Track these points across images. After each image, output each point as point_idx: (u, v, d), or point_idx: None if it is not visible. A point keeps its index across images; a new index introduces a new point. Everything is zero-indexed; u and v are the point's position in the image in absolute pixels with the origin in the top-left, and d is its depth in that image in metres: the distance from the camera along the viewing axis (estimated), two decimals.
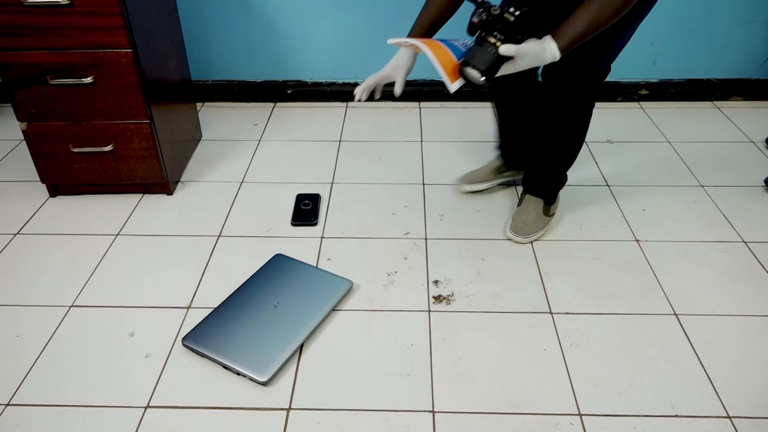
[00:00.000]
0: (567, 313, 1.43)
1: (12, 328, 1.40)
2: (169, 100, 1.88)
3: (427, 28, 1.41)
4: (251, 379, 1.25)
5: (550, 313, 1.43)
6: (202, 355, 1.30)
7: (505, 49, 1.16)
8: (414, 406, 1.21)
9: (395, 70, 1.44)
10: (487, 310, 1.44)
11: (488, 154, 2.04)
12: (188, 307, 1.45)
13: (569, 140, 1.60)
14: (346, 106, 2.42)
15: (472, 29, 1.20)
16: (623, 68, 2.39)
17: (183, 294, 1.49)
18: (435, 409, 1.21)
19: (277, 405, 1.22)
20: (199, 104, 2.44)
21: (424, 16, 1.41)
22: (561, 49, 1.19)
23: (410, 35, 1.41)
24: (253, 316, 1.38)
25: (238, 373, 1.26)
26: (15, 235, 1.70)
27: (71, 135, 1.72)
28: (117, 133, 1.73)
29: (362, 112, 2.37)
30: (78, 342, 1.36)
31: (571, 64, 1.41)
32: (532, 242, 1.65)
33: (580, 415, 1.19)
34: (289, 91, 2.45)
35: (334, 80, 2.42)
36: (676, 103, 2.43)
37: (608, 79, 2.38)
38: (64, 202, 1.84)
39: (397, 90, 1.43)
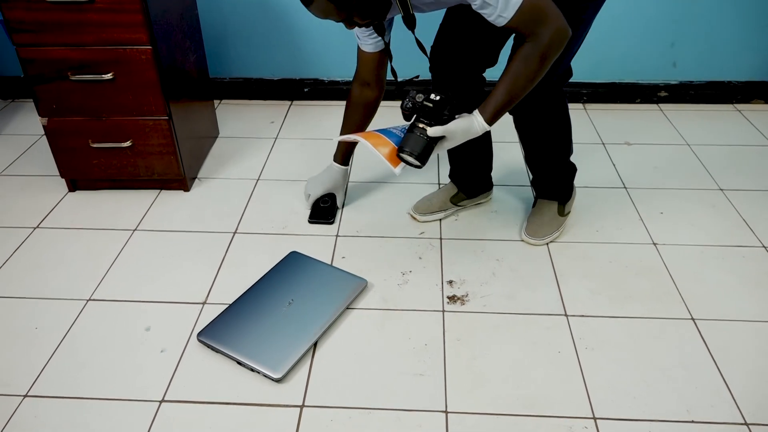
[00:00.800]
0: (582, 316, 1.42)
1: (31, 320, 1.42)
2: (188, 97, 1.90)
3: (355, 129, 1.62)
4: (265, 376, 1.25)
5: (565, 315, 1.42)
6: (217, 351, 1.31)
7: (433, 131, 1.26)
8: (427, 406, 1.21)
9: (334, 189, 1.74)
10: (502, 311, 1.44)
11: (509, 153, 2.03)
12: (204, 303, 1.46)
13: (554, 140, 1.58)
14: None
15: (404, 117, 1.32)
16: (642, 69, 2.37)
17: (199, 290, 1.50)
18: (448, 410, 1.20)
19: (291, 402, 1.22)
20: (216, 101, 2.46)
21: (348, 121, 1.66)
22: (487, 121, 1.27)
23: (342, 133, 1.64)
24: (267, 312, 1.38)
25: (253, 370, 1.27)
26: (34, 228, 1.72)
27: (91, 130, 1.74)
28: (135, 130, 1.74)
29: (378, 111, 2.36)
30: (95, 335, 1.38)
31: None
32: (547, 244, 1.64)
33: (595, 418, 1.18)
34: (306, 90, 2.46)
35: (351, 79, 2.42)
36: (696, 105, 2.41)
37: (627, 80, 2.39)
38: (82, 196, 1.86)
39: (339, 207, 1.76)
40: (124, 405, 1.21)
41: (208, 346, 1.33)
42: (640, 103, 2.43)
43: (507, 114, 1.53)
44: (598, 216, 1.76)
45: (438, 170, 1.99)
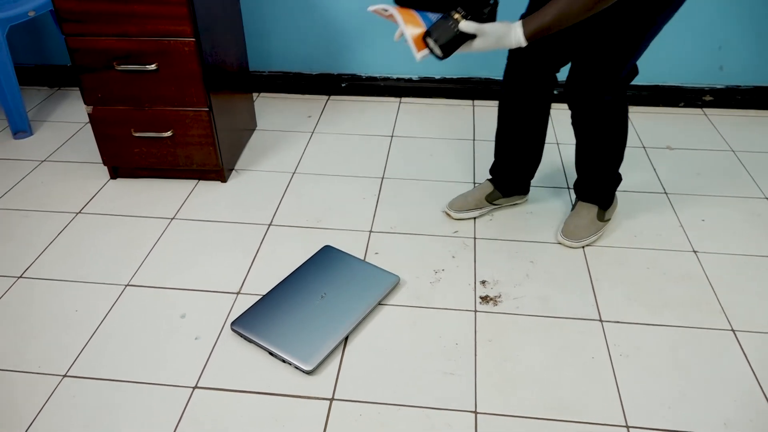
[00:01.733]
0: (617, 322, 1.39)
1: (71, 302, 1.46)
2: (228, 89, 1.92)
3: None
4: (296, 368, 1.26)
5: (600, 320, 1.40)
6: (250, 341, 1.33)
7: (464, 25, 1.17)
8: (456, 406, 1.21)
9: None
10: (535, 313, 1.42)
11: (550, 155, 1.99)
12: (238, 293, 1.48)
13: (609, 143, 1.55)
14: (400, 102, 2.42)
15: (445, 3, 1.22)
16: (687, 73, 2.31)
17: (233, 280, 1.52)
18: (477, 410, 1.20)
19: (321, 395, 1.23)
20: (255, 94, 2.48)
21: None
22: (526, 36, 1.19)
23: None
24: (300, 305, 1.39)
25: (284, 361, 1.28)
26: (77, 214, 1.77)
27: (133, 120, 1.78)
28: (177, 120, 1.77)
29: (415, 108, 2.37)
30: (132, 320, 1.41)
31: (593, 71, 1.40)
32: (583, 247, 1.62)
33: (627, 426, 1.16)
34: (343, 85, 2.47)
35: (389, 75, 2.42)
36: (742, 111, 2.34)
37: (671, 83, 2.34)
38: (123, 184, 1.91)
39: None
40: (158, 389, 1.24)
41: (242, 336, 1.34)
42: (684, 106, 2.37)
43: (567, 109, 1.51)
44: (637, 221, 1.72)
45: (474, 170, 1.97)
